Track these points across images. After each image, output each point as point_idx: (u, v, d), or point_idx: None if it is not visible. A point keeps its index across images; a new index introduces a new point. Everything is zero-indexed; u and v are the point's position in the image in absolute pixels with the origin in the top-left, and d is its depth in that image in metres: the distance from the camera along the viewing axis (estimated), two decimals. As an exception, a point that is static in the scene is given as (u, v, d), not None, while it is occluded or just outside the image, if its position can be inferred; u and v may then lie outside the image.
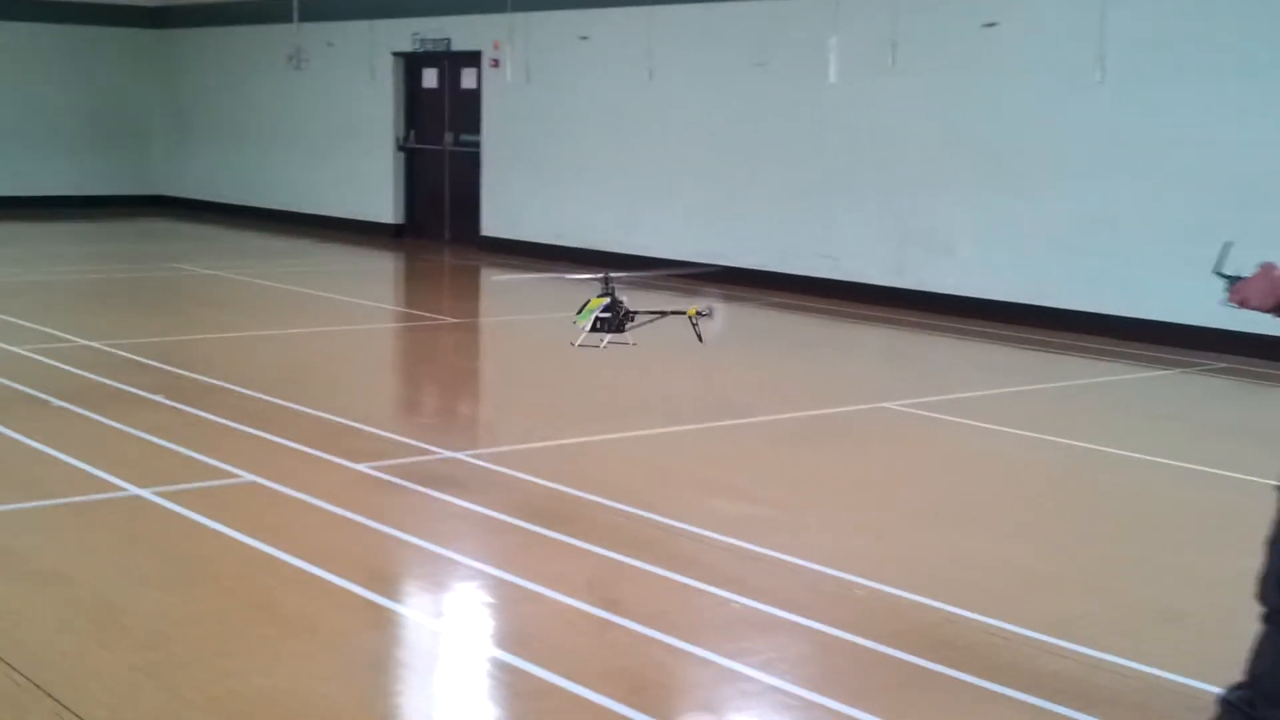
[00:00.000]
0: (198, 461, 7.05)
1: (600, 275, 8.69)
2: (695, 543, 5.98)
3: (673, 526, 6.17)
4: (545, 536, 5.98)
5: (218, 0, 22.40)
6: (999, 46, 12.69)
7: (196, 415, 8.09)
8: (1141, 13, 11.78)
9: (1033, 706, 4.39)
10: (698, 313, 8.51)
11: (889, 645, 4.83)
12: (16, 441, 7.35)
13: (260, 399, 8.60)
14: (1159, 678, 4.68)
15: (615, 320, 8.46)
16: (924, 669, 4.66)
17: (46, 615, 4.98)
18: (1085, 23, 12.00)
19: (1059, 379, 10.57)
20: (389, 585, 5.48)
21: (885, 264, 13.74)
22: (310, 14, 20.25)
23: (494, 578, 5.47)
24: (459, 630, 5.04)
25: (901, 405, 9.05)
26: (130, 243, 19.59)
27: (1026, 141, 12.60)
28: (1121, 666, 4.76)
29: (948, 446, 8.18)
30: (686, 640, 4.82)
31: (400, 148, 19.55)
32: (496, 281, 15.93)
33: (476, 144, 18.36)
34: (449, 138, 18.98)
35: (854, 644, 4.85)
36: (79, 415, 7.99)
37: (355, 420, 8.10)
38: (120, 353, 10.01)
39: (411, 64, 19.33)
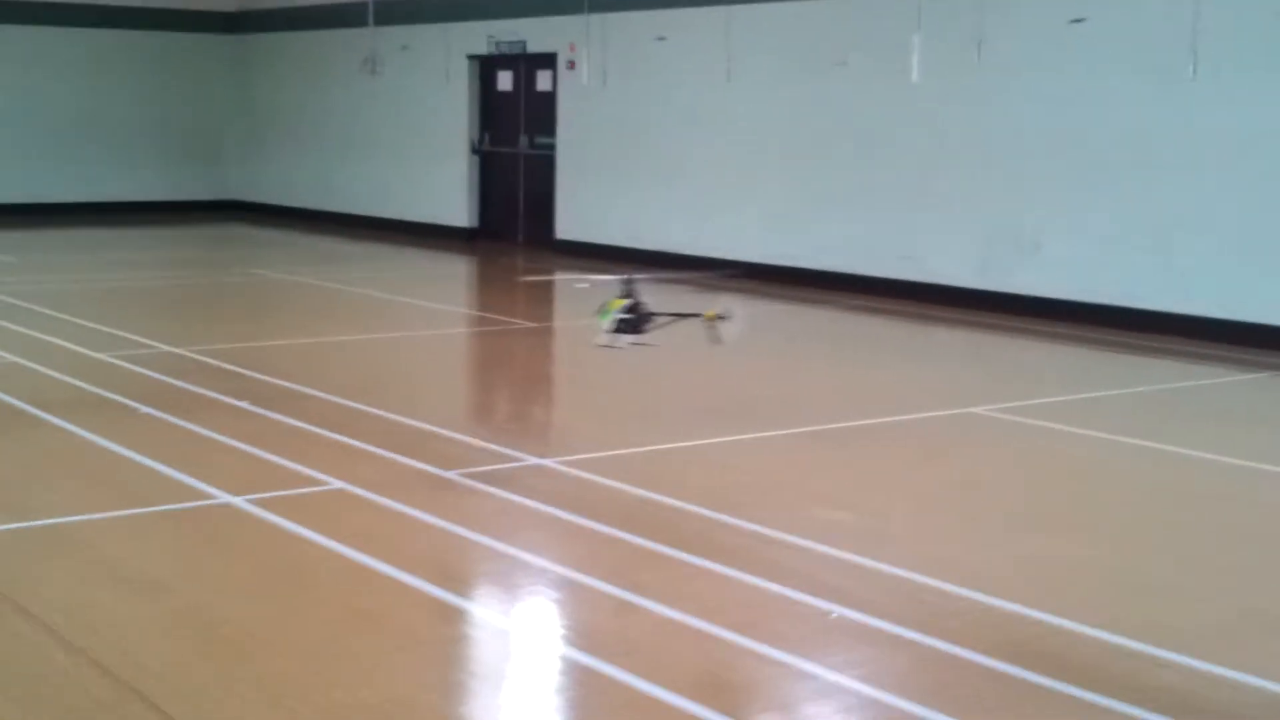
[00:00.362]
0: (286, 468, 7.03)
1: (622, 277, 8.67)
2: (791, 551, 5.88)
3: (767, 535, 6.07)
4: (636, 544, 5.90)
5: (292, 5, 22.51)
6: (1087, 43, 12.47)
7: (282, 421, 8.07)
8: (1234, 5, 11.54)
9: (1150, 723, 4.26)
10: (716, 315, 8.46)
11: (994, 658, 4.71)
12: (106, 448, 7.36)
13: (344, 405, 8.57)
14: (1271, 691, 4.53)
15: (635, 321, 8.47)
16: (1030, 683, 4.53)
17: (147, 624, 4.96)
18: (1176, 17, 11.77)
19: (1151, 383, 10.37)
20: (484, 594, 5.43)
21: (969, 264, 13.56)
22: (385, 18, 20.31)
23: (588, 586, 5.39)
24: (555, 639, 4.97)
25: (990, 410, 8.90)
26: (206, 248, 19.75)
27: (1116, 139, 12.38)
28: (1232, 679, 4.62)
29: (1039, 452, 8.02)
30: (785, 650, 4.73)
31: (474, 151, 19.56)
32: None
33: (551, 147, 18.32)
34: (524, 141, 18.97)
35: (958, 657, 4.74)
36: (166, 422, 8.00)
37: (438, 425, 8.06)
38: (203, 358, 10.04)
39: (486, 67, 19.34)
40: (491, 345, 12.06)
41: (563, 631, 5.08)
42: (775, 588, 5.37)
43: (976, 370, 10.98)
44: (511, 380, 10.74)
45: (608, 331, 8.45)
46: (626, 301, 8.41)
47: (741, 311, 8.70)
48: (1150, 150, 12.17)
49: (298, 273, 15.87)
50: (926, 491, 7.15)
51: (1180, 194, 11.98)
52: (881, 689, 4.46)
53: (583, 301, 15.05)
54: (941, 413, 8.89)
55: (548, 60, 18.20)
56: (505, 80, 19.14)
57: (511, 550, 5.82)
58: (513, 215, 19.32)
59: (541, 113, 18.51)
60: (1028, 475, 7.51)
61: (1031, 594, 5.35)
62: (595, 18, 17.13)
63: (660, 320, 8.51)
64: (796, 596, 5.29)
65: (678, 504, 6.51)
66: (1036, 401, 9.21)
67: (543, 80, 18.47)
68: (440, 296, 14.56)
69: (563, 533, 6.14)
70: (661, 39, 16.42)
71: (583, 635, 5.02)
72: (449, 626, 5.06)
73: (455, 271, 17.39)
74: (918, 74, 13.57)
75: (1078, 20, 12.50)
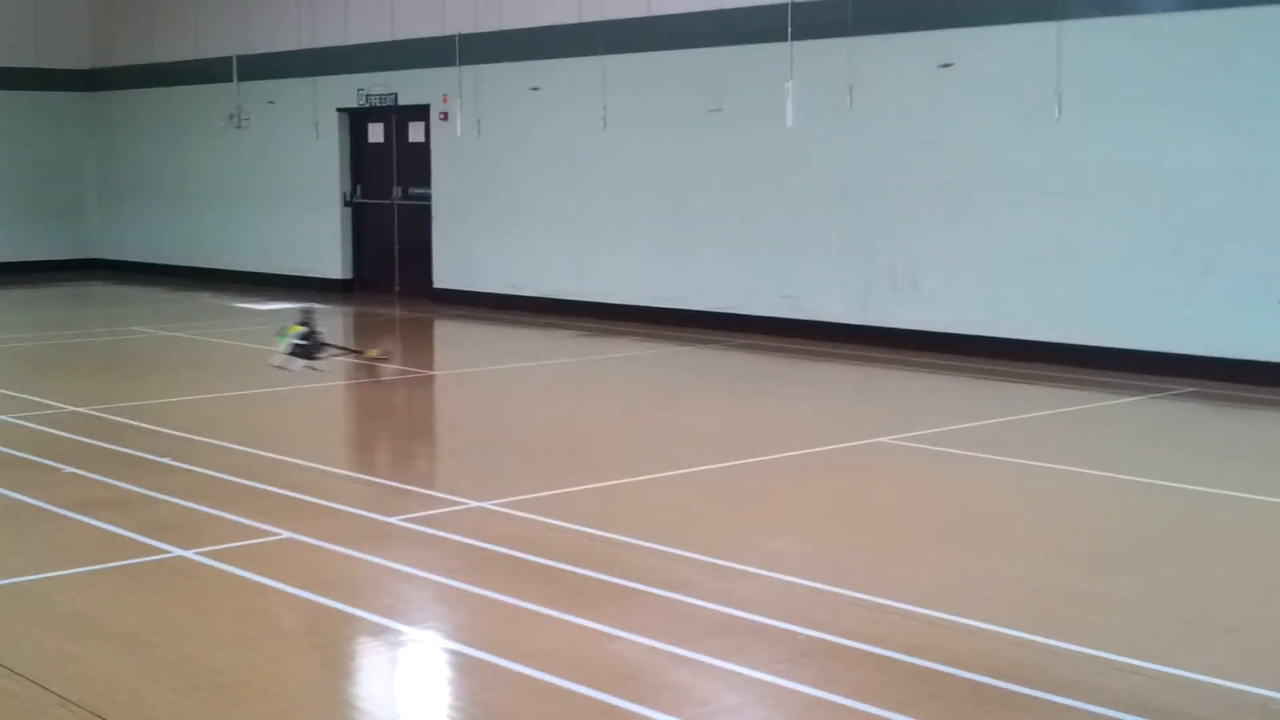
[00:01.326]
0: (229, 520, 7.09)
1: (302, 306, 9.27)
2: (749, 580, 6.12)
3: (723, 565, 6.31)
4: (600, 579, 6.09)
5: (152, 61, 22.33)
6: (956, 86, 13.04)
7: (209, 475, 8.11)
8: (1095, 48, 12.17)
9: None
10: (375, 355, 9.07)
11: (961, 669, 4.99)
12: (40, 508, 7.35)
13: (263, 455, 8.64)
14: (1225, 687, 4.88)
15: (309, 348, 9.01)
16: (1000, 689, 4.82)
17: (135, 675, 5.01)
18: (1040, 60, 12.38)
19: (1038, 408, 10.85)
20: (456, 630, 5.56)
21: (849, 302, 14.01)
22: (251, 73, 20.29)
23: (554, 618, 5.56)
24: (543, 670, 5.11)
25: (896, 439, 9.27)
26: (77, 307, 19.46)
27: (986, 176, 12.94)
28: (1187, 678, 4.96)
29: (956, 477, 8.40)
30: (772, 674, 4.96)
31: (347, 203, 19.60)
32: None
33: (426, 197, 18.46)
34: (397, 191, 19.07)
35: (927, 669, 5.01)
36: (94, 480, 7.99)
37: (363, 473, 8.17)
38: (112, 417, 10.00)
39: (356, 119, 19.41)
40: (384, 394, 12.11)
41: (547, 660, 5.23)
42: (741, 614, 5.61)
43: (873, 403, 11.37)
44: (417, 427, 10.85)
45: (283, 354, 8.96)
46: (303, 329, 8.92)
47: (397, 353, 9.17)
48: (1018, 187, 12.74)
49: (179, 329, 15.75)
50: (864, 518, 7.46)
51: (1049, 228, 12.56)
52: (868, 703, 4.71)
53: (460, 348, 15.27)
54: (852, 444, 9.24)
55: (420, 111, 18.36)
56: (376, 132, 19.24)
57: (478, 590, 5.97)
58: (388, 265, 19.39)
59: (415, 163, 18.65)
60: (952, 499, 7.85)
61: (988, 609, 5.66)
62: (468, 69, 17.35)
63: (331, 351, 9.06)
64: (763, 621, 5.53)
65: (627, 539, 6.71)
66: (937, 430, 9.60)
67: (415, 131, 18.61)
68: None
69: (523, 571, 6.30)
70: (536, 89, 16.69)
71: (570, 665, 5.19)
72: (432, 664, 5.20)
73: (339, 322, 17.37)
74: (792, 119, 14.03)
75: (946, 65, 13.05)
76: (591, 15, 15.98)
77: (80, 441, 9.10)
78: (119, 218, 23.36)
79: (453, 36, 17.48)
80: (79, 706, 4.69)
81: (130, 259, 23.01)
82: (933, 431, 9.53)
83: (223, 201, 21.27)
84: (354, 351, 8.99)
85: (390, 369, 12.09)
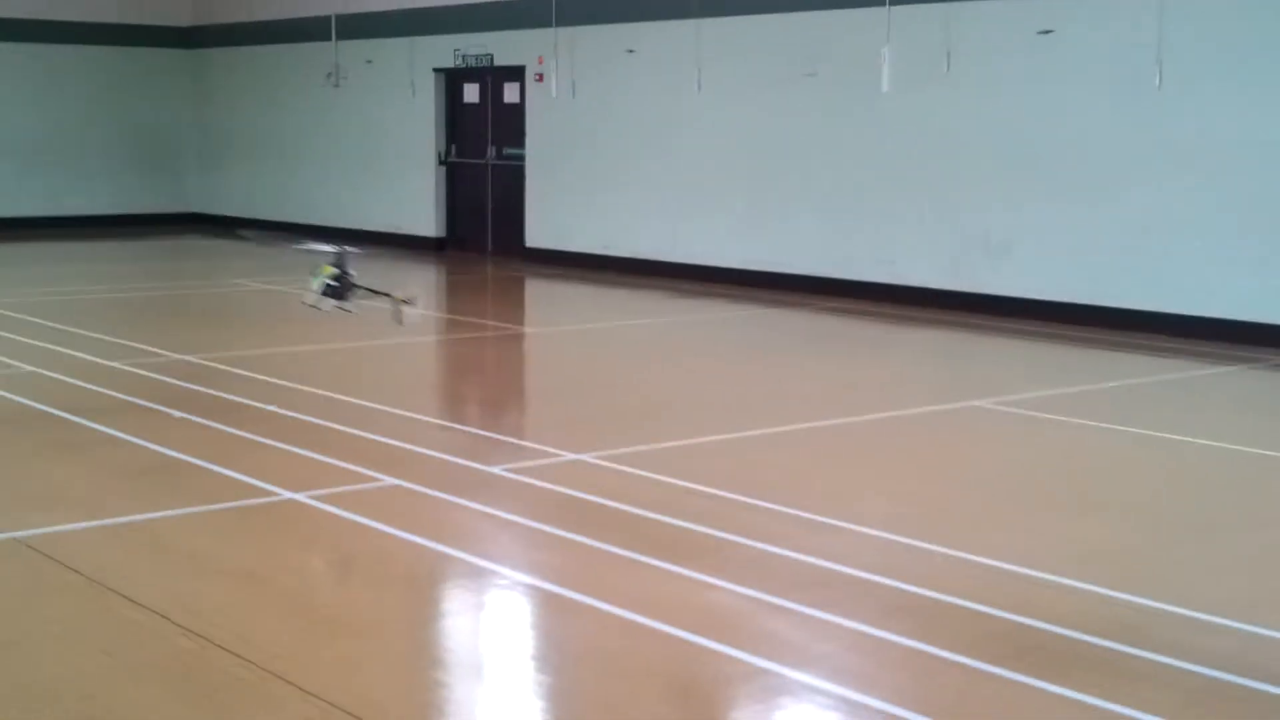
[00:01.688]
0: (335, 466, 7.28)
1: (336, 249, 9.36)
2: (857, 538, 6.23)
3: (828, 523, 6.41)
4: (695, 531, 6.21)
5: (251, 20, 22.64)
6: (1055, 53, 12.95)
7: (313, 423, 8.31)
8: (1198, 17, 12.05)
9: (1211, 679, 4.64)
10: (403, 299, 9.09)
11: (1056, 624, 5.06)
12: (152, 449, 7.58)
13: (365, 406, 8.83)
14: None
15: (340, 289, 9.07)
16: (1094, 645, 4.89)
17: (256, 610, 5.21)
18: (1142, 29, 12.27)
19: (1132, 376, 10.82)
20: (557, 576, 5.70)
21: (941, 267, 14.00)
22: (348, 32, 20.51)
23: (656, 567, 5.69)
24: (664, 620, 5.24)
25: (990, 403, 9.30)
26: (178, 260, 19.86)
27: (1084, 145, 12.86)
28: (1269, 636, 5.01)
29: (1050, 441, 8.43)
30: (868, 624, 5.06)
31: (441, 162, 19.80)
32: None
33: (520, 157, 18.61)
34: (491, 151, 19.23)
35: (1022, 624, 5.09)
36: (203, 425, 8.22)
37: (464, 424, 8.33)
38: (217, 365, 10.24)
39: (452, 79, 19.58)
40: (479, 349, 12.29)
41: (644, 605, 5.36)
42: (836, 568, 5.72)
43: (966, 367, 11.39)
44: (511, 382, 11.02)
45: (315, 293, 9.06)
46: (335, 270, 9.03)
47: (424, 297, 9.23)
48: (1116, 156, 12.65)
49: (275, 282, 16.03)
50: (960, 478, 7.52)
51: (1145, 198, 12.46)
52: (959, 653, 4.80)
53: (552, 307, 15.42)
54: (947, 406, 9.29)
55: (515, 73, 18.49)
56: (472, 93, 19.40)
57: (576, 537, 6.10)
58: (481, 225, 19.58)
59: (509, 124, 18.80)
60: (1044, 462, 7.90)
61: (1081, 570, 5.73)
62: (563, 31, 17.44)
63: (361, 292, 9.15)
64: (859, 575, 5.63)
65: (723, 493, 6.83)
66: (1030, 395, 9.61)
67: (510, 92, 18.75)
68: (430, 303, 14.79)
69: (619, 520, 6.43)
70: (631, 51, 16.76)
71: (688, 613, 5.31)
72: (533, 605, 5.35)
73: (437, 279, 17.57)
74: (888, 84, 14.01)
75: (1045, 32, 12.97)
76: (688, -23, 16.02)
77: (188, 388, 9.35)
78: (216, 173, 23.73)
79: (549, -2, 17.60)
80: (201, 636, 4.88)
81: (227, 213, 23.37)
82: (1026, 396, 9.54)
83: (319, 159, 21.55)
84: (383, 294, 9.22)
85: (486, 327, 12.27)
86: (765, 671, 4.65)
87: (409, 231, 20.11)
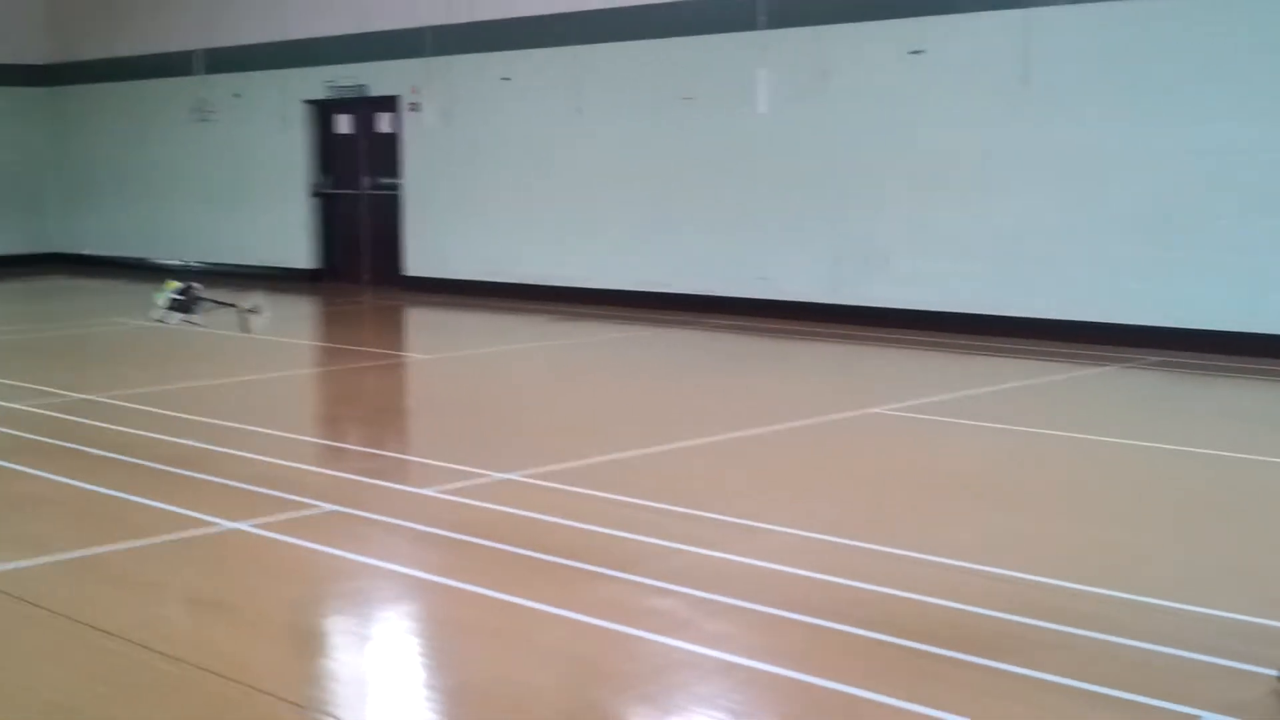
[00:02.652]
0: (267, 495, 7.37)
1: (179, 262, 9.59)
2: (791, 539, 6.51)
3: (760, 527, 6.69)
4: (636, 541, 6.45)
5: (111, 56, 22.40)
6: (927, 72, 13.47)
7: (234, 454, 8.38)
8: (1063, 34, 12.64)
9: (1154, 653, 5.00)
10: (249, 309, 9.35)
11: (1022, 615, 5.38)
12: (83, 488, 7.59)
13: (279, 435, 8.91)
14: (1251, 623, 5.32)
15: (186, 303, 9.30)
16: (1027, 626, 5.23)
17: (230, 634, 5.32)
18: (1008, 46, 12.83)
19: (1016, 379, 11.30)
20: (503, 584, 5.88)
21: (822, 282, 14.42)
22: (216, 66, 20.44)
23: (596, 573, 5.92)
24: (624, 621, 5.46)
25: (890, 409, 9.69)
26: (51, 300, 19.54)
27: (956, 159, 13.39)
28: (1197, 613, 5.39)
29: (956, 441, 8.84)
30: (824, 619, 5.34)
31: (315, 193, 19.79)
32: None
33: (394, 187, 18.71)
34: (365, 181, 19.29)
35: (962, 611, 5.41)
36: (126, 462, 8.23)
37: (392, 451, 8.47)
38: (121, 403, 10.21)
39: (324, 111, 19.61)
40: (375, 378, 12.36)
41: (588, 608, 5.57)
42: (776, 568, 5.99)
43: (859, 376, 11.79)
44: (414, 408, 11.15)
45: (161, 308, 9.25)
46: (179, 285, 9.23)
47: (269, 307, 9.44)
48: (986, 169, 13.20)
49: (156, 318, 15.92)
50: (877, 480, 7.86)
51: (1016, 207, 13.03)
52: (908, 638, 5.09)
53: (440, 334, 15.54)
54: (849, 414, 9.64)
55: (388, 103, 18.59)
56: (344, 123, 19.45)
57: (519, 550, 6.30)
58: (357, 255, 19.61)
59: (383, 154, 18.88)
60: (956, 461, 8.30)
61: (1005, 558, 6.07)
62: (437, 60, 17.61)
63: (208, 305, 9.34)
64: (811, 576, 5.91)
65: (659, 505, 7.07)
66: (925, 400, 10.03)
67: (384, 122, 18.84)
68: (324, 335, 14.82)
69: (554, 532, 6.63)
70: (507, 79, 16.97)
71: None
72: (490, 614, 5.54)
73: (308, 310, 17.57)
74: (764, 105, 14.42)
75: (916, 52, 13.48)
76: (562, 7, 16.28)
77: (100, 427, 9.32)
78: (80, 212, 23.41)
79: (422, 28, 17.73)
80: (183, 661, 4.98)
81: (90, 253, 23.05)
82: (921, 402, 9.95)
83: (189, 194, 21.40)
84: (229, 304, 9.34)
85: (375, 355, 12.36)
86: (711, 659, 4.90)
87: (284, 264, 20.05)
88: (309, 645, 5.24)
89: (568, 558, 6.16)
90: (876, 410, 9.72)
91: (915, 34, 13.54)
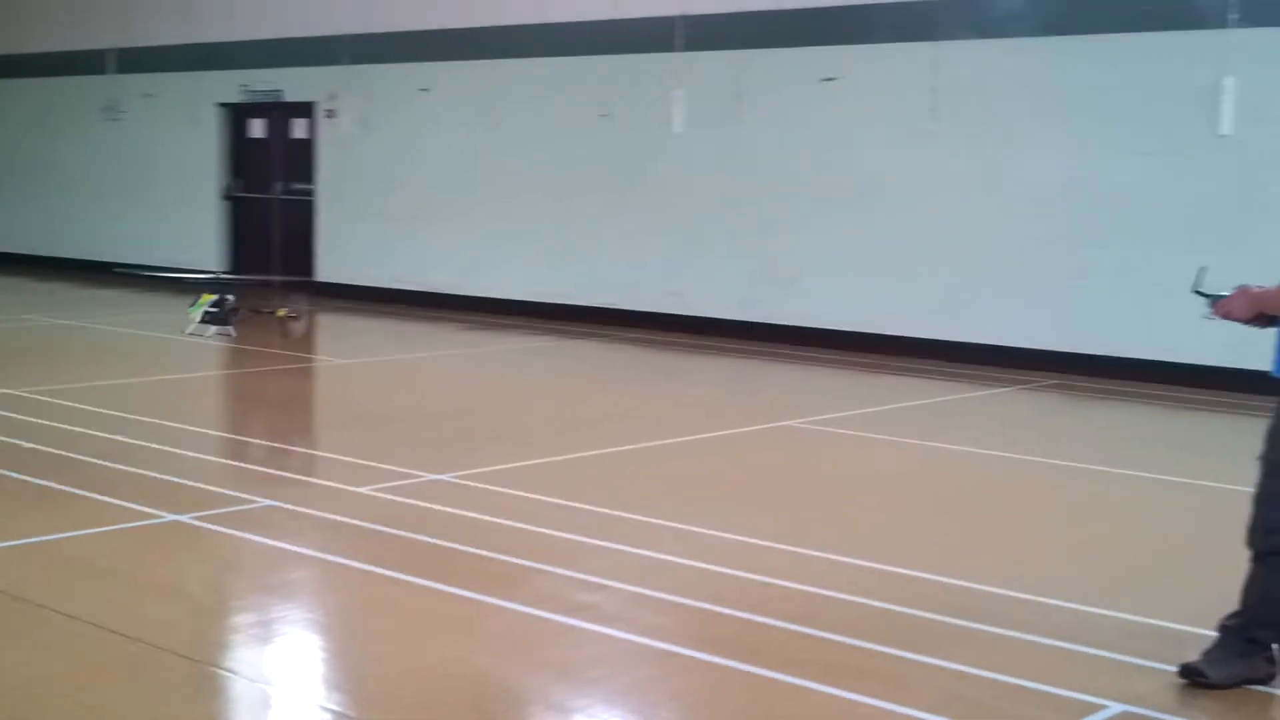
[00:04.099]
0: (205, 490, 7.59)
1: (208, 274, 9.88)
2: (719, 541, 6.85)
3: (688, 529, 7.02)
4: (585, 543, 6.76)
5: (22, 53, 22.25)
6: (839, 99, 13.94)
7: (166, 450, 8.55)
8: (969, 64, 13.17)
9: (1058, 648, 5.40)
10: (287, 314, 9.67)
11: (923, 610, 5.77)
12: (19, 479, 7.74)
13: (206, 434, 9.10)
14: (1143, 622, 5.75)
15: (221, 315, 9.66)
16: (954, 625, 5.62)
17: (185, 616, 5.54)
18: (918, 76, 13.34)
19: (918, 397, 11.75)
20: (449, 576, 6.15)
21: (731, 298, 14.82)
22: (129, 66, 20.42)
23: (528, 567, 6.22)
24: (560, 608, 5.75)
25: (801, 423, 10.09)
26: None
27: (865, 183, 13.87)
28: (1111, 616, 5.82)
29: (867, 453, 9.27)
30: (747, 610, 5.68)
31: (225, 197, 19.85)
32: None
33: (308, 192, 18.83)
34: (278, 186, 19.39)
35: (899, 612, 5.79)
36: (62, 456, 8.37)
37: (321, 450, 8.70)
38: (47, 399, 10.29)
39: (237, 114, 19.68)
40: (290, 381, 12.51)
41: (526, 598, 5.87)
42: (713, 568, 6.33)
43: (767, 391, 12.18)
44: (331, 411, 11.35)
45: (197, 322, 9.56)
46: (214, 297, 9.56)
47: (308, 311, 9.76)
48: (894, 194, 13.70)
49: (73, 317, 15.93)
50: (805, 486, 8.25)
51: (922, 231, 13.53)
52: (843, 634, 5.45)
53: (353, 340, 15.70)
54: (763, 425, 10.03)
55: (304, 109, 18.72)
56: (258, 128, 19.53)
57: (450, 544, 6.58)
58: (267, 260, 19.68)
59: (298, 159, 18.99)
60: (868, 471, 8.73)
61: (938, 564, 6.47)
62: (356, 69, 17.79)
63: (242, 315, 9.65)
64: (737, 575, 6.26)
65: (588, 507, 7.39)
66: (834, 415, 10.45)
67: (299, 128, 18.96)
68: (222, 337, 14.92)
69: (479, 527, 6.92)
70: (425, 90, 17.20)
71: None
72: (424, 607, 5.82)
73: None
74: (680, 125, 14.81)
75: (829, 79, 13.94)
76: (482, 20, 16.56)
77: (28, 421, 9.43)
78: (-18, 208, 23.21)
79: (340, 36, 17.90)
80: (149, 644, 5.19)
81: (-4, 249, 22.87)
82: (830, 416, 10.37)
83: (97, 193, 21.32)
84: (266, 312, 9.59)
85: (289, 358, 12.54)
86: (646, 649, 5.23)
87: (192, 266, 20.02)
88: (257, 629, 5.48)
89: (502, 553, 6.45)
90: (789, 423, 10.11)
91: (828, 61, 14.00)
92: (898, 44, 13.56)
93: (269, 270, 19.53)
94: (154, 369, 11.83)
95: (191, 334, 9.55)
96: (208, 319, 9.50)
